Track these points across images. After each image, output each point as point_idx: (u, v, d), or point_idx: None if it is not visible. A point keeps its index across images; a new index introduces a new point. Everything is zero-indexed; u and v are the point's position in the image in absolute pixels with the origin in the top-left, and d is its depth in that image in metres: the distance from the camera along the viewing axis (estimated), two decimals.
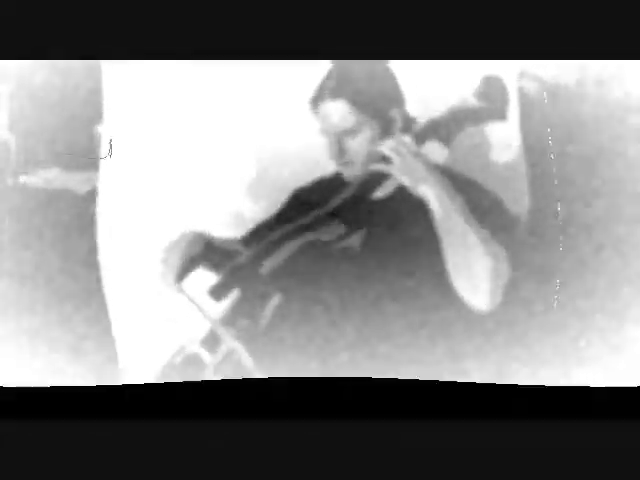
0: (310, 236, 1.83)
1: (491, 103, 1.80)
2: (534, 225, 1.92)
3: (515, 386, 1.84)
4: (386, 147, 1.72)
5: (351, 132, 1.81)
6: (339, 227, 1.85)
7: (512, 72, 1.94)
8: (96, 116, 2.06)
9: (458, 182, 1.79)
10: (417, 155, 1.72)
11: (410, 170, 1.71)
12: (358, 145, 1.82)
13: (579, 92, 1.93)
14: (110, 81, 2.02)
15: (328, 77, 1.84)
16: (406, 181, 1.72)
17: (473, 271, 1.71)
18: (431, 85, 1.97)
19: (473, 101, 1.81)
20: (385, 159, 1.73)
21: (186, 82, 2.02)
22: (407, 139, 1.74)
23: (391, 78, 1.85)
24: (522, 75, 1.95)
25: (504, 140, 1.95)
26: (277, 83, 1.99)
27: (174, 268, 1.80)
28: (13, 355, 2.01)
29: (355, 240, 1.85)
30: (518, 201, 1.93)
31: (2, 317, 2.01)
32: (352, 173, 1.83)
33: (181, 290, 1.81)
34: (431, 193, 1.71)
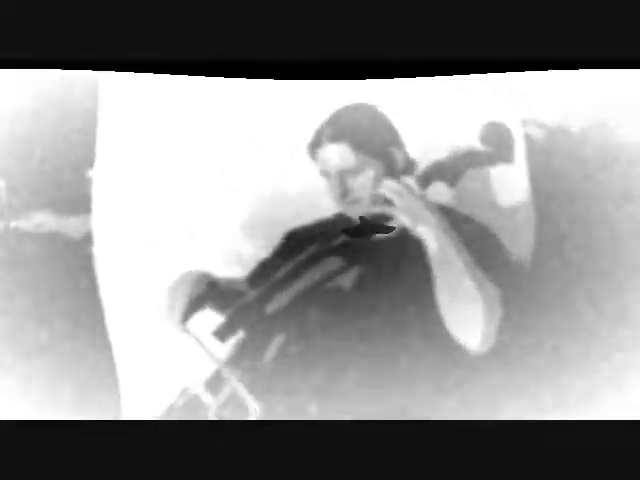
0: (310, 275, 1.85)
1: (496, 147, 1.84)
2: (536, 271, 1.94)
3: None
4: (387, 188, 1.75)
5: (353, 172, 1.83)
6: (334, 263, 1.87)
7: (515, 118, 1.98)
8: (88, 157, 2.06)
9: (461, 223, 1.81)
10: (419, 197, 1.75)
11: (411, 211, 1.74)
12: (361, 184, 1.83)
13: (584, 137, 1.96)
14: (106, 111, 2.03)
15: (325, 125, 1.86)
16: (406, 221, 1.75)
17: (467, 313, 1.73)
18: (428, 128, 2.00)
19: (478, 145, 1.85)
20: (387, 201, 1.75)
21: (184, 104, 2.04)
22: (409, 181, 1.78)
23: (385, 119, 1.88)
24: (526, 122, 2.00)
25: (511, 184, 1.98)
26: (281, 106, 2.02)
27: (179, 308, 1.81)
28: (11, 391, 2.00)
29: (347, 280, 1.87)
30: (522, 246, 1.94)
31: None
32: (359, 212, 1.83)
33: (186, 330, 1.82)
34: (430, 234, 1.74)
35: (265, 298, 1.82)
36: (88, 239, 2.06)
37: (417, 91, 2.02)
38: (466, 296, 1.72)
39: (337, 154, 1.83)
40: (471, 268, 1.73)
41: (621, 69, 1.90)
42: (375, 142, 1.84)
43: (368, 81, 1.97)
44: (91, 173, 2.06)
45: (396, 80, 1.99)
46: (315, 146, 1.85)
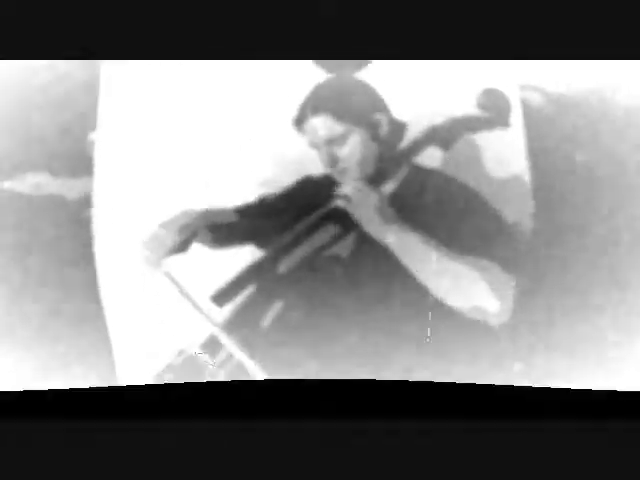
0: (309, 242, 1.87)
1: (493, 112, 1.85)
2: (536, 233, 1.96)
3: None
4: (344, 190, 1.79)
5: (339, 140, 1.86)
6: (331, 230, 1.89)
7: (513, 83, 1.99)
8: (90, 120, 2.07)
9: (454, 186, 1.85)
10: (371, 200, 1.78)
11: (368, 217, 1.78)
12: (349, 151, 1.86)
13: (582, 101, 1.98)
14: (107, 82, 2.03)
15: (308, 97, 1.89)
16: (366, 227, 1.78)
17: (469, 291, 1.75)
18: (423, 94, 2.02)
19: (475, 111, 1.86)
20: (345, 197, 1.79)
21: (182, 82, 2.05)
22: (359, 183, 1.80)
23: (368, 87, 1.91)
24: (524, 87, 2.00)
25: (508, 149, 2.00)
26: (276, 83, 2.04)
27: (166, 244, 1.84)
28: (10, 360, 2.01)
29: (344, 247, 1.89)
30: (520, 210, 1.96)
31: None
32: (350, 179, 1.87)
33: (166, 272, 1.84)
34: (391, 235, 1.77)
35: (265, 266, 1.84)
36: (87, 201, 2.07)
37: (412, 65, 2.04)
38: (457, 278, 1.74)
39: (322, 125, 1.86)
40: (447, 252, 1.74)
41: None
42: (357, 109, 1.86)
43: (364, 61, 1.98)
44: (93, 136, 2.07)
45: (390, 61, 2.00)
46: (300, 120, 1.89)
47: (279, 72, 2.04)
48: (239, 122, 2.08)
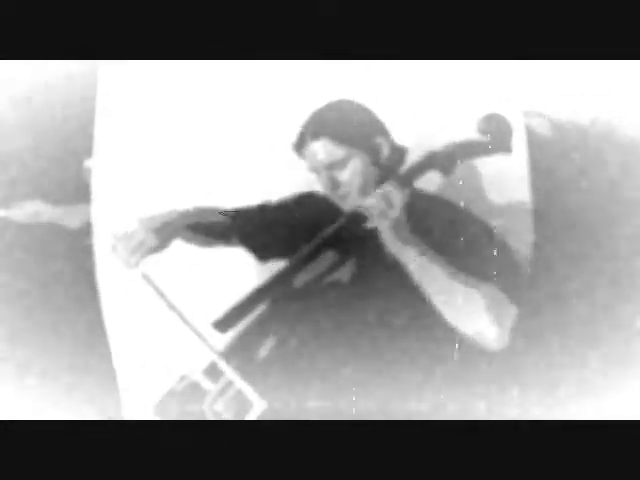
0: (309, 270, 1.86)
1: (494, 136, 1.81)
2: (538, 260, 1.96)
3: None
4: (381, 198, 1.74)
5: (340, 164, 1.84)
6: (331, 257, 1.88)
7: (517, 110, 1.98)
8: (86, 147, 2.06)
9: (455, 213, 1.83)
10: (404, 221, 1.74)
11: (397, 231, 1.74)
12: (349, 176, 1.84)
13: (587, 129, 1.97)
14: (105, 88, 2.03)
15: (307, 122, 1.87)
16: (389, 244, 1.75)
17: (472, 316, 1.73)
18: (422, 114, 2.03)
19: (476, 135, 1.85)
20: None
21: (180, 84, 2.06)
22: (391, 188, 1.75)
23: (368, 111, 1.89)
24: (528, 113, 1.98)
25: (512, 175, 2.00)
26: (277, 86, 2.05)
27: (145, 243, 1.79)
28: (8, 388, 2.00)
29: (345, 273, 1.87)
30: (521, 236, 1.96)
31: None
32: (350, 204, 1.84)
33: (146, 277, 1.82)
34: (409, 258, 1.74)
35: (267, 293, 1.83)
36: (86, 229, 2.06)
37: (414, 75, 2.04)
38: (466, 301, 1.72)
39: (322, 149, 1.84)
40: (456, 275, 1.73)
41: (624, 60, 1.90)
42: (358, 133, 1.85)
43: (362, 62, 1.97)
44: (90, 163, 2.06)
45: (391, 62, 1.99)
46: (300, 145, 1.87)
47: (279, 73, 2.05)
48: (239, 131, 2.08)
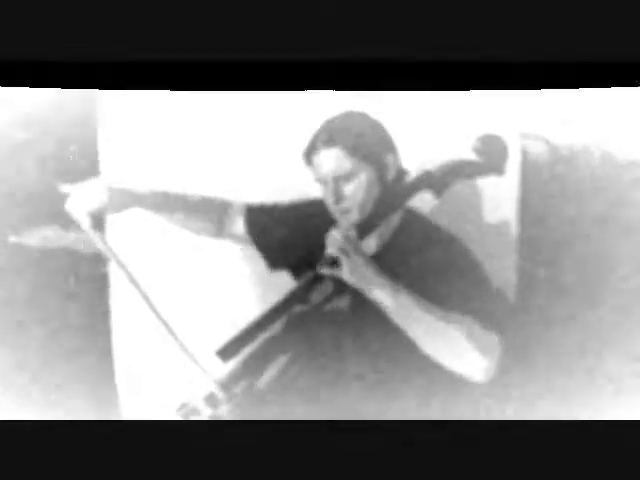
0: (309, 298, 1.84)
1: (488, 158, 1.79)
2: (520, 291, 1.95)
3: None
4: (333, 247, 1.72)
5: (347, 177, 1.81)
6: (327, 287, 1.85)
7: (514, 131, 1.96)
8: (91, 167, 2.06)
9: (441, 237, 1.82)
10: (362, 255, 1.72)
11: (359, 273, 1.72)
12: (354, 191, 1.82)
13: (583, 154, 1.94)
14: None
15: (320, 131, 1.84)
16: (356, 284, 1.73)
17: (455, 349, 1.71)
18: (426, 141, 2.01)
19: (471, 156, 1.82)
20: (334, 262, 1.72)
21: (182, 114, 2.06)
22: (352, 233, 1.74)
23: (380, 127, 1.86)
24: (525, 135, 1.95)
25: (500, 198, 1.98)
26: (277, 117, 2.05)
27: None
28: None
29: (344, 301, 1.85)
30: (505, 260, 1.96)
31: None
32: (349, 221, 1.82)
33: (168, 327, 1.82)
34: (383, 295, 1.72)
35: (267, 323, 1.80)
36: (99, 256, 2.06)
37: (417, 103, 2.02)
38: (445, 335, 1.71)
39: (332, 159, 1.81)
40: (435, 311, 1.71)
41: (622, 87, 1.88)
42: (369, 147, 1.82)
43: (366, 92, 1.96)
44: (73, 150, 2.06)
45: (395, 93, 1.98)
46: (310, 152, 1.85)
47: (280, 103, 2.05)
48: (243, 158, 2.09)
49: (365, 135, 1.83)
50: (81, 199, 1.82)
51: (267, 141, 2.08)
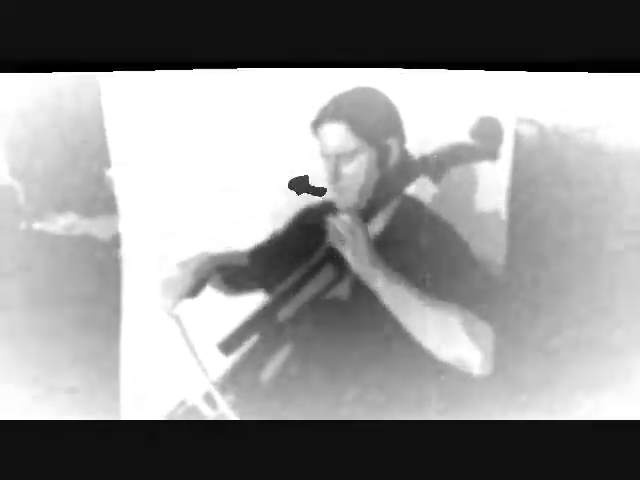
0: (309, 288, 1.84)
1: (484, 143, 1.79)
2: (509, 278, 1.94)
3: None
4: (342, 228, 1.74)
5: (348, 157, 1.82)
6: (328, 274, 1.83)
7: (510, 115, 1.95)
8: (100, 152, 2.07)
9: (436, 226, 1.82)
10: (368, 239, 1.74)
11: (360, 256, 1.73)
12: (353, 172, 1.82)
13: (575, 139, 1.92)
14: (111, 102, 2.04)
15: (329, 103, 1.85)
16: (357, 268, 1.75)
17: (451, 342, 1.72)
18: (430, 121, 1.98)
19: (467, 139, 1.79)
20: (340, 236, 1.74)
21: (189, 93, 2.05)
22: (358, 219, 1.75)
23: (391, 107, 1.85)
24: (520, 119, 1.93)
25: (493, 184, 1.96)
26: (283, 95, 2.03)
27: (181, 288, 1.83)
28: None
29: (343, 289, 1.85)
30: (495, 245, 1.94)
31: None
32: (344, 203, 1.84)
33: (177, 319, 1.81)
34: (380, 282, 1.74)
35: (266, 315, 1.80)
36: (116, 241, 2.07)
37: (416, 83, 2.00)
38: (441, 326, 1.72)
39: (336, 134, 1.82)
40: (430, 301, 1.72)
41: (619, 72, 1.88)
42: (375, 129, 1.82)
43: (368, 70, 1.94)
44: (110, 173, 2.07)
45: (395, 70, 1.96)
46: (317, 124, 1.85)
47: (282, 81, 2.03)
48: (255, 137, 2.07)
49: (374, 115, 1.82)
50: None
51: (275, 119, 2.06)
